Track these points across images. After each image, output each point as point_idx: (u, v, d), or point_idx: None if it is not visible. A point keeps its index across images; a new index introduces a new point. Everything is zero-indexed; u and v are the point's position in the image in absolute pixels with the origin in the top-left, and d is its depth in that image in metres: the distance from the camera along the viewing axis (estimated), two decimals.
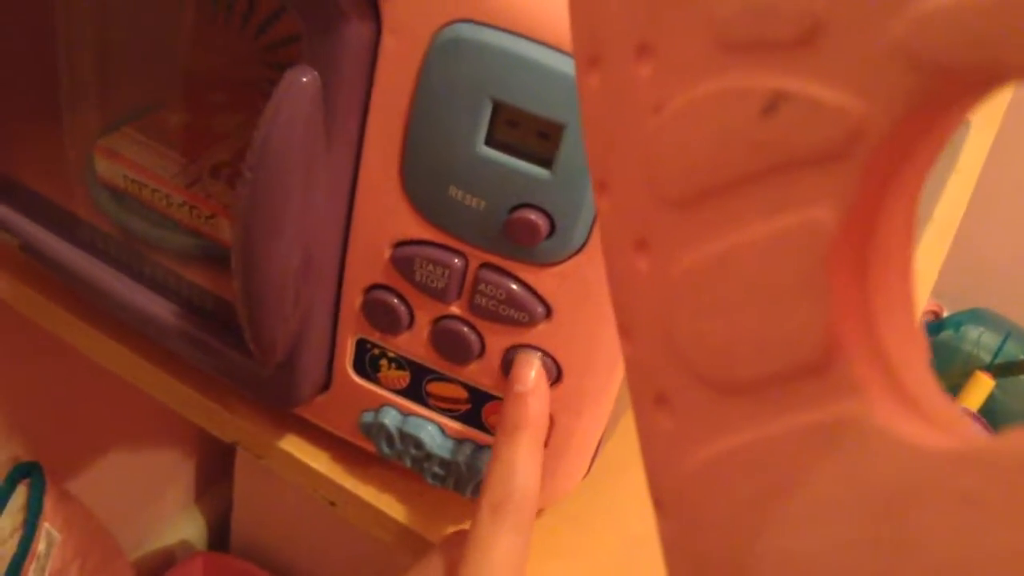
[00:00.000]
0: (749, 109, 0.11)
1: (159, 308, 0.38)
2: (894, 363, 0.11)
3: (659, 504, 0.14)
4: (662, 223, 0.13)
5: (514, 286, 0.30)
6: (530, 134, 0.27)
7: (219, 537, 1.03)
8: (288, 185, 0.29)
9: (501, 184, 0.28)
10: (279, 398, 0.37)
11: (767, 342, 0.11)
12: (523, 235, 0.29)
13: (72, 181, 0.42)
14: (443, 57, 0.27)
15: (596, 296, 0.30)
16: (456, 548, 0.31)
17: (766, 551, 0.11)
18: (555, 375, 0.32)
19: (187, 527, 1.01)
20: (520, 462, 0.30)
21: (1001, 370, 1.00)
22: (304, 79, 0.27)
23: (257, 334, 0.33)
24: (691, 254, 0.12)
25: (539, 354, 0.32)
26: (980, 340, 1.05)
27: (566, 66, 0.26)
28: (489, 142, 0.28)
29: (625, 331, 0.14)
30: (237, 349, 0.36)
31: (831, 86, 0.10)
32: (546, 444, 0.34)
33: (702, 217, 0.12)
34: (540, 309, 0.31)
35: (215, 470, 1.01)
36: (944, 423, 0.10)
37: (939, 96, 0.10)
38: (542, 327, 0.31)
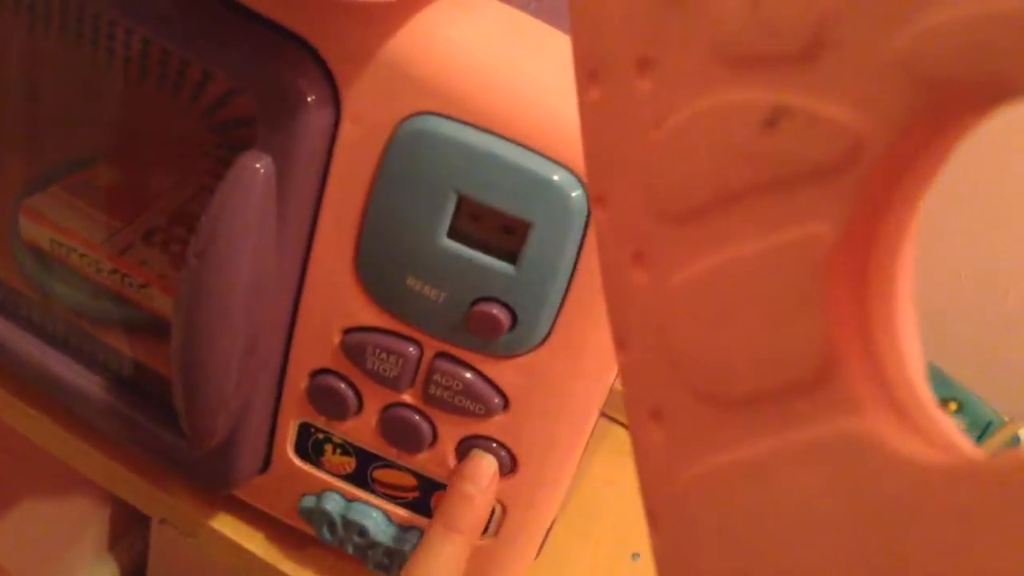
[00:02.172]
0: (749, 123, 0.11)
1: (83, 380, 0.36)
2: (892, 379, 0.10)
3: (653, 518, 0.13)
4: (660, 237, 0.12)
5: (471, 377, 0.29)
6: (495, 229, 0.26)
7: None
8: (235, 270, 0.27)
9: (463, 277, 0.27)
10: (212, 480, 0.35)
11: (764, 357, 0.11)
12: (484, 328, 0.28)
13: None
14: (406, 148, 0.25)
15: (556, 389, 0.29)
16: None
17: (760, 567, 0.11)
18: (510, 466, 0.31)
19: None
20: (446, 561, 0.30)
21: None
22: (258, 166, 0.26)
23: (193, 418, 0.31)
24: (689, 268, 0.12)
25: (494, 459, 0.31)
26: None
27: (534, 164, 0.25)
28: (452, 235, 0.27)
29: (621, 344, 0.14)
30: (169, 428, 0.34)
31: (832, 101, 0.10)
32: (497, 533, 0.33)
33: (701, 231, 0.12)
34: (497, 401, 0.29)
35: (130, 516, 0.96)
36: (941, 440, 0.10)
37: (940, 112, 0.09)
38: (499, 419, 0.30)
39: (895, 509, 0.10)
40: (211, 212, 0.26)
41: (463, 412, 0.30)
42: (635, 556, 0.42)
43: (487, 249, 0.27)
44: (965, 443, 0.10)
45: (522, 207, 0.25)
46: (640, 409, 0.13)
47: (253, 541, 0.38)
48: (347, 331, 0.30)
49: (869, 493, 0.10)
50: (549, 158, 0.25)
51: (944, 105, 0.09)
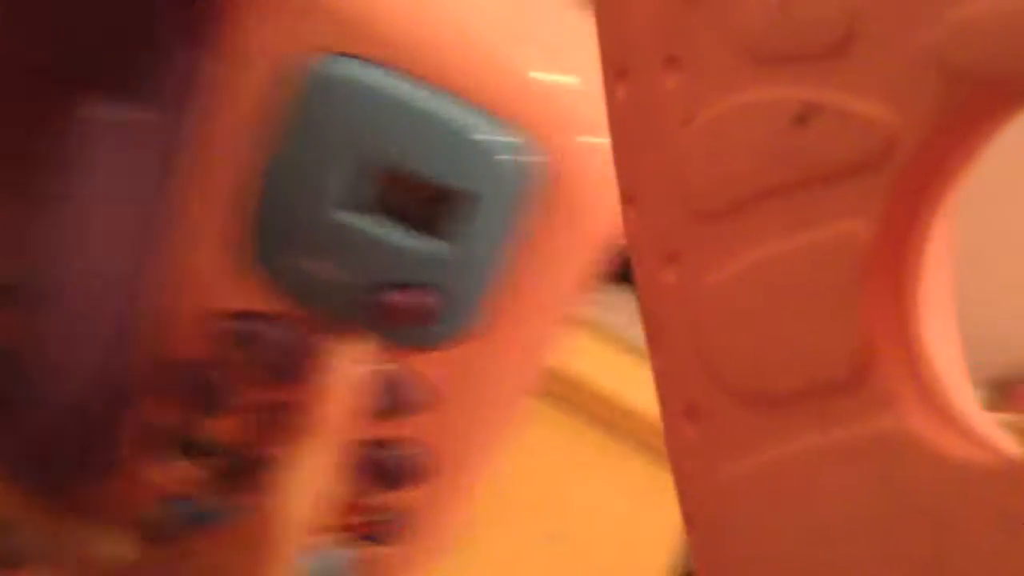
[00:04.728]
0: (780, 121, 0.11)
1: None
2: (930, 377, 0.10)
3: (689, 518, 0.13)
4: (691, 236, 0.12)
5: (389, 373, 0.24)
6: (425, 200, 0.21)
7: None
8: (85, 244, 0.21)
9: (381, 257, 0.22)
10: (45, 481, 0.29)
11: (800, 356, 0.11)
12: (408, 317, 0.23)
13: None
14: (314, 98, 0.20)
15: (486, 384, 0.25)
16: None
17: (798, 566, 0.11)
18: (428, 470, 0.27)
19: None
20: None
21: None
22: (102, 116, 0.19)
23: (27, 404, 0.25)
24: (721, 267, 0.12)
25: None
26: None
27: (478, 123, 0.20)
28: (369, 206, 0.21)
29: (654, 344, 0.14)
30: None
31: (863, 97, 0.10)
32: (405, 541, 0.29)
33: (732, 230, 0.12)
34: (418, 399, 0.25)
35: None
36: (980, 439, 0.10)
37: (973, 107, 0.09)
38: (419, 419, 0.25)
39: (934, 509, 0.10)
40: (49, 175, 0.20)
41: (376, 413, 0.25)
42: (551, 537, 0.39)
43: (414, 224, 0.22)
44: (1006, 442, 0.10)
45: (461, 175, 0.21)
46: (675, 408, 0.13)
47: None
48: (229, 317, 0.24)
49: (908, 492, 0.10)
50: (497, 116, 0.20)
51: (978, 99, 0.09)
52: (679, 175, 0.12)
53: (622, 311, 0.54)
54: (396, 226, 0.22)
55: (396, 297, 0.22)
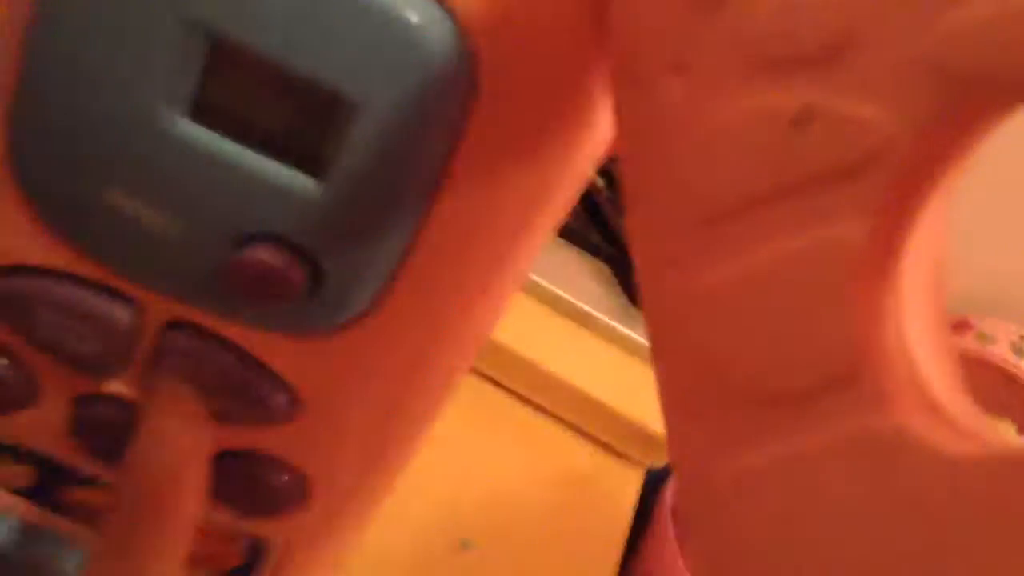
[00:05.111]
0: (778, 125, 0.11)
1: None
2: (922, 375, 0.11)
3: (689, 519, 0.13)
4: (693, 239, 0.12)
5: (234, 363, 0.17)
6: (284, 109, 0.14)
7: None
8: None
9: (218, 193, 0.14)
10: None
11: (795, 356, 0.11)
12: (257, 287, 0.15)
13: None
14: None
15: (378, 385, 0.18)
16: None
17: (797, 564, 0.11)
18: (298, 496, 0.19)
19: None
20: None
21: None
22: None
23: None
24: (721, 269, 0.12)
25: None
26: None
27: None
28: (198, 114, 0.14)
29: (656, 346, 0.14)
30: None
31: (859, 101, 0.10)
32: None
33: (732, 232, 0.12)
34: (279, 403, 0.17)
35: None
36: (972, 433, 0.10)
37: (968, 110, 0.10)
38: (282, 429, 0.18)
39: (926, 502, 0.10)
40: None
41: (219, 416, 0.18)
42: (464, 544, 0.32)
43: (267, 145, 0.14)
44: (996, 436, 0.10)
45: (340, 70, 0.13)
46: (676, 409, 0.13)
47: None
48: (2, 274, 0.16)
49: (901, 487, 0.10)
50: None
51: (971, 103, 0.10)
52: (682, 179, 0.12)
53: (560, 271, 0.46)
54: (246, 147, 0.14)
55: (245, 257, 0.15)
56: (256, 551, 0.21)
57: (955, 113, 0.10)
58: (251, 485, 0.19)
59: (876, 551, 0.10)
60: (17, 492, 0.21)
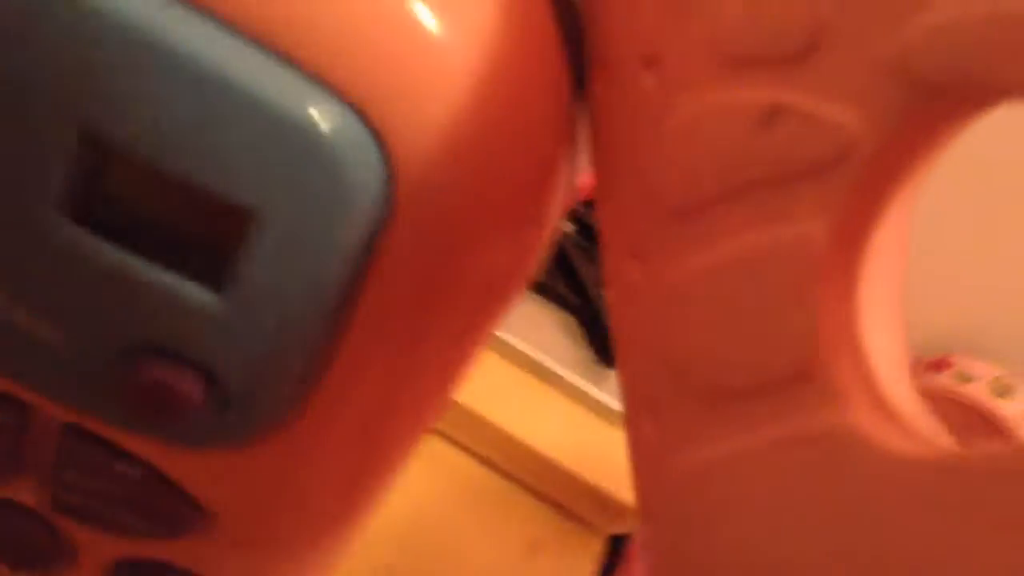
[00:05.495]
0: (746, 122, 0.11)
1: None
2: (874, 375, 0.11)
3: (645, 511, 0.13)
4: (658, 233, 0.12)
5: (137, 477, 0.15)
6: (181, 218, 0.13)
7: None
8: None
9: (110, 304, 0.13)
10: None
11: (754, 353, 0.11)
12: (153, 401, 0.14)
13: None
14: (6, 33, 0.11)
15: (298, 493, 0.16)
16: None
17: (748, 558, 0.11)
18: None
19: None
20: None
21: None
22: None
23: None
24: (684, 264, 0.12)
25: None
26: None
27: (272, 82, 0.11)
28: (85, 219, 0.13)
29: (619, 339, 0.14)
30: None
31: (826, 100, 0.10)
32: None
33: (697, 228, 0.12)
34: (188, 516, 0.16)
35: None
36: (921, 434, 0.10)
37: (933, 112, 0.10)
38: (187, 541, 0.16)
39: (875, 501, 0.10)
40: None
41: (119, 528, 0.16)
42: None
43: (161, 254, 0.13)
44: (945, 437, 0.10)
45: (240, 180, 0.12)
46: (636, 404, 0.13)
47: None
48: None
49: (852, 486, 0.10)
50: (306, 73, 0.11)
51: (937, 105, 0.10)
52: (650, 173, 0.12)
53: (523, 324, 0.45)
54: (137, 257, 0.13)
55: (141, 372, 0.13)
56: None
57: (920, 116, 0.10)
58: None
59: (826, 548, 0.10)
60: None
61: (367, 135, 0.12)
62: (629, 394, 0.13)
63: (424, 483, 0.37)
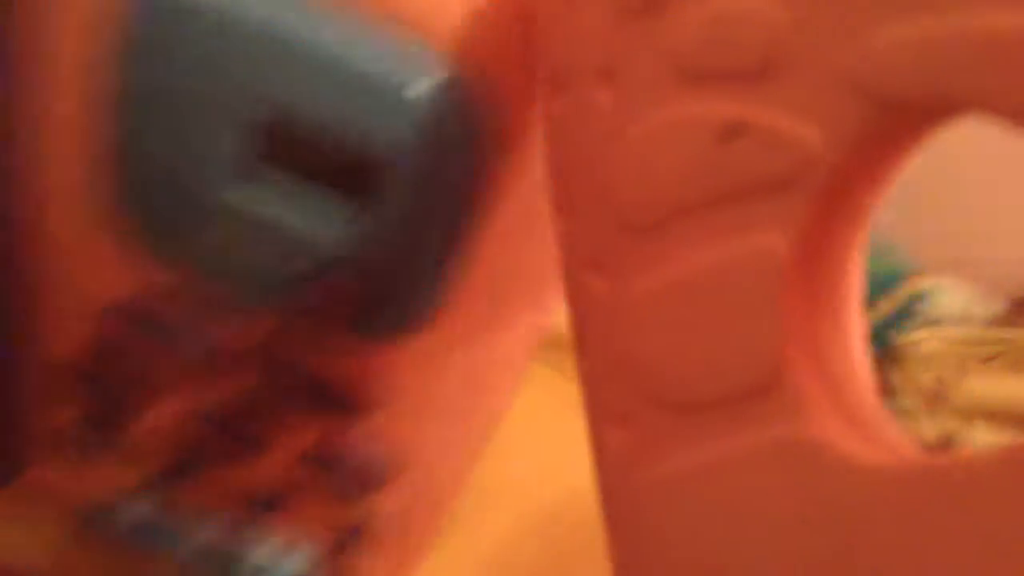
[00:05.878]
0: (706, 137, 0.11)
1: None
2: (839, 386, 0.11)
3: (612, 522, 0.13)
4: (619, 247, 0.12)
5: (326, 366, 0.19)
6: (335, 164, 0.16)
7: None
8: None
9: (284, 243, 0.17)
10: None
11: (719, 364, 0.11)
12: (325, 311, 0.18)
13: None
14: (158, 27, 0.14)
15: (457, 377, 0.20)
16: None
17: (714, 567, 0.11)
18: (392, 473, 0.22)
19: None
20: None
21: None
22: None
23: None
24: (647, 277, 0.12)
25: None
26: None
27: (391, 56, 0.15)
28: (260, 175, 0.16)
29: (582, 350, 0.14)
30: None
31: (785, 116, 0.10)
32: (375, 550, 0.24)
33: (659, 242, 0.12)
34: (364, 397, 0.20)
35: None
36: (885, 444, 0.10)
37: (890, 128, 0.10)
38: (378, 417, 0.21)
39: (841, 510, 0.10)
40: None
41: (311, 412, 0.20)
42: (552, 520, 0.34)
43: (320, 193, 0.16)
44: (909, 447, 0.10)
45: (369, 128, 0.15)
46: (599, 414, 0.13)
47: None
48: (110, 309, 0.19)
49: (817, 495, 0.10)
50: (419, 41, 0.15)
51: (893, 121, 0.10)
52: (609, 188, 0.12)
53: None
54: (296, 200, 0.16)
55: (311, 290, 0.17)
56: (352, 525, 0.24)
57: (879, 130, 0.10)
58: (358, 466, 0.21)
59: (792, 557, 0.10)
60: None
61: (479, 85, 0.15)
62: (592, 405, 0.14)
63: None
